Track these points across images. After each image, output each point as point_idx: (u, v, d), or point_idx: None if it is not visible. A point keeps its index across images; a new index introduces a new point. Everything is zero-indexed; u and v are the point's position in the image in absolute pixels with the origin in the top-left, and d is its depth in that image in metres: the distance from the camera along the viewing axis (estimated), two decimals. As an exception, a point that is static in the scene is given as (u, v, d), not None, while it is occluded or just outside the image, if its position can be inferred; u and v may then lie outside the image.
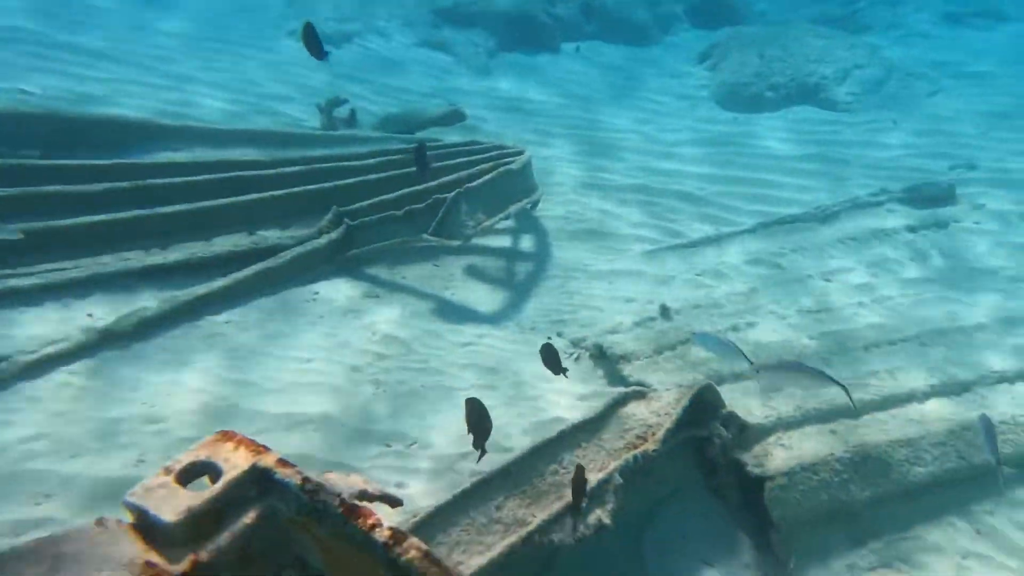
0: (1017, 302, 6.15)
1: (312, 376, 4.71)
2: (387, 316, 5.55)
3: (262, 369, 4.75)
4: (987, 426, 3.69)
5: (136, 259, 5.56)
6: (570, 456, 3.78)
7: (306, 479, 1.97)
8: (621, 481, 3.68)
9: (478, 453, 3.35)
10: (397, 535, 1.91)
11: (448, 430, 4.41)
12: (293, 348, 5.00)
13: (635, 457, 3.83)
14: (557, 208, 7.98)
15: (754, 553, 4.07)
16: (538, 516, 3.39)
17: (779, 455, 4.18)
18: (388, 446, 4.18)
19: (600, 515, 3.54)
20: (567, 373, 4.15)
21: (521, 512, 3.42)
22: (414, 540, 1.91)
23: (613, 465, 3.73)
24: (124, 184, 5.99)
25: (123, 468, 3.78)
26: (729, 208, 8.41)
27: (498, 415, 4.70)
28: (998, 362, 5.17)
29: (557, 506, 3.46)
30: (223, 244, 5.89)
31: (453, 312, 5.83)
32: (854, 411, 4.23)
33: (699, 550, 4.00)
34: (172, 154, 6.78)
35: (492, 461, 3.70)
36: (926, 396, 4.63)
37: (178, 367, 4.65)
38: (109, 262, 5.45)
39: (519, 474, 3.55)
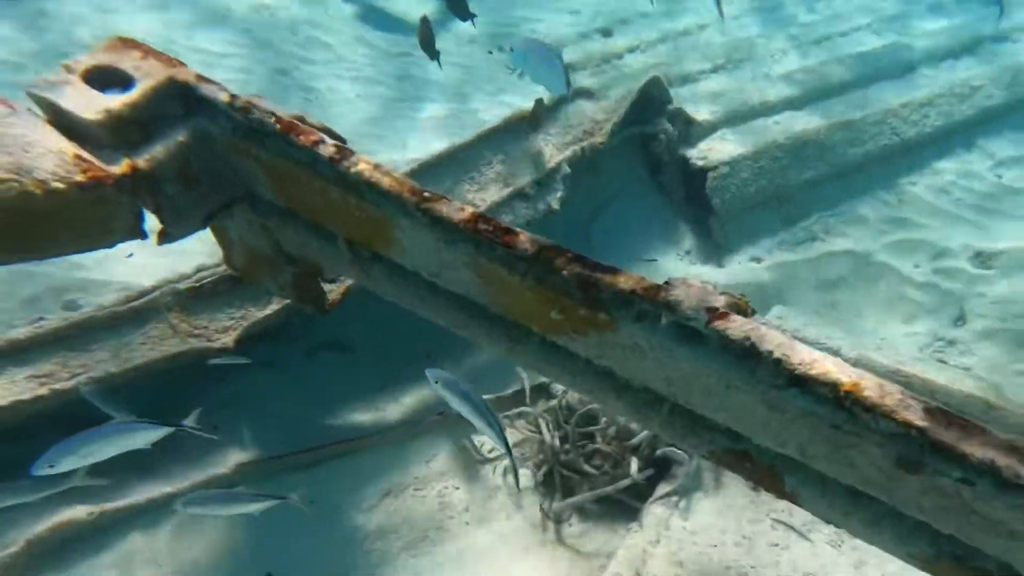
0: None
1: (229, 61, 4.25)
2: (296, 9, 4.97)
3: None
4: None
5: None
6: (514, 148, 3.70)
7: (233, 96, 1.78)
8: (569, 171, 3.67)
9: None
10: (343, 150, 1.80)
11: (393, 141, 4.22)
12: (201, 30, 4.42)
13: (582, 148, 3.80)
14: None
15: (694, 239, 4.29)
16: (488, 200, 3.39)
17: (724, 148, 4.20)
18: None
19: (550, 201, 3.59)
20: (439, 60, 4.14)
21: (470, 196, 3.40)
22: (361, 155, 1.81)
23: (560, 156, 3.70)
24: None
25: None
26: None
27: (439, 126, 4.51)
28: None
29: (506, 192, 3.46)
30: None
31: (382, 20, 5.29)
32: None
33: (643, 239, 4.19)
34: None
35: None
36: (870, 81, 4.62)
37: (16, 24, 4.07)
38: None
39: (466, 160, 3.46)
